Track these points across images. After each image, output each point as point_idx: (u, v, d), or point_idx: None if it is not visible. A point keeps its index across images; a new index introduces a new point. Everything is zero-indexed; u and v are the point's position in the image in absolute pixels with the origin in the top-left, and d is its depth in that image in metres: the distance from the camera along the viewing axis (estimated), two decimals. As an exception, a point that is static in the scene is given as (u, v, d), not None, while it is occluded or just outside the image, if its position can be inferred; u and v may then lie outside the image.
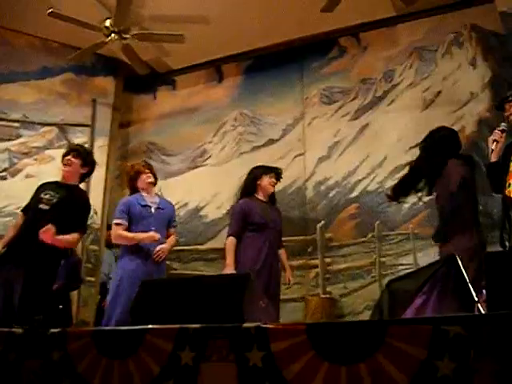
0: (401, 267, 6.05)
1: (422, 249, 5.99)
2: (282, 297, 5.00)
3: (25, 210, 4.58)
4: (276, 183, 5.19)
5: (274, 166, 5.35)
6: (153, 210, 4.83)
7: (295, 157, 7.16)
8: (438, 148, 4.15)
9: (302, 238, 6.74)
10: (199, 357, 1.96)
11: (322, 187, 6.90)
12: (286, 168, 6.49)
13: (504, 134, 3.89)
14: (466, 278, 2.17)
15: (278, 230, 5.05)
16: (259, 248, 4.80)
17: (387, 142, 6.62)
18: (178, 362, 1.99)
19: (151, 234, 4.66)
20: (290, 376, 1.79)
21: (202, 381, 1.93)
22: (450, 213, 3.89)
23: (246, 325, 1.92)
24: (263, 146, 7.47)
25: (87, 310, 6.94)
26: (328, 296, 6.34)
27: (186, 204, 7.63)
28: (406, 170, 4.50)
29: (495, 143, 3.89)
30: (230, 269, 4.66)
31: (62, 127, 7.58)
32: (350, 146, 6.93)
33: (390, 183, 6.43)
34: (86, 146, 7.32)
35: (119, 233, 4.74)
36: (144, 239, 4.67)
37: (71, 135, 7.58)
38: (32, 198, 4.57)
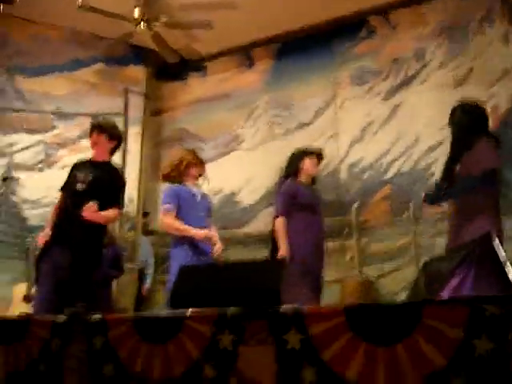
0: (437, 248, 6.01)
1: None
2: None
3: (63, 189, 4.60)
4: (318, 164, 5.15)
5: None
6: (199, 198, 4.75)
7: (328, 139, 7.14)
8: (465, 127, 4.06)
9: (337, 219, 6.72)
10: (238, 340, 1.98)
11: (356, 169, 6.88)
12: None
13: None
14: (502, 257, 2.16)
15: (320, 212, 5.04)
16: (310, 230, 4.75)
17: (420, 121, 6.56)
18: (218, 345, 2.02)
19: (206, 232, 4.52)
20: (328, 358, 1.81)
21: (242, 364, 1.96)
22: (462, 191, 3.86)
23: (283, 308, 1.94)
24: (295, 129, 7.45)
25: (126, 297, 7.03)
26: (364, 278, 6.34)
27: (220, 190, 7.67)
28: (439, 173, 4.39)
29: None
30: (284, 249, 4.48)
31: (96, 117, 7.66)
32: (382, 126, 6.89)
33: (424, 163, 6.41)
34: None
35: (171, 222, 4.54)
36: (199, 236, 4.48)
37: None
38: (68, 178, 4.59)
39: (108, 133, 4.61)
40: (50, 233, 4.33)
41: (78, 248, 4.23)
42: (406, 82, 6.85)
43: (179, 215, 4.56)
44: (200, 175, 4.92)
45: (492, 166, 3.80)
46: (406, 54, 6.94)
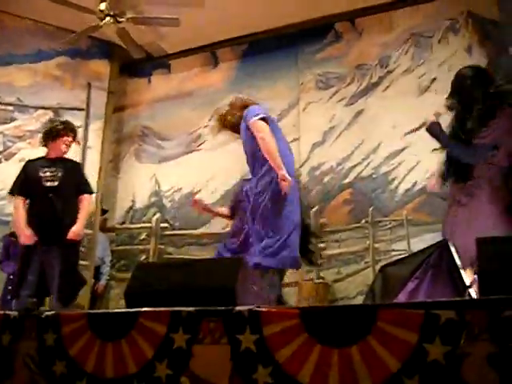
0: (394, 253, 6.06)
1: (415, 235, 6.02)
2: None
3: (22, 192, 4.69)
4: None
5: None
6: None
7: (290, 142, 7.13)
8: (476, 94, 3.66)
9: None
10: (192, 339, 1.97)
11: (317, 172, 6.90)
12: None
13: None
14: (458, 262, 2.18)
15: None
16: None
17: (382, 127, 6.61)
18: (172, 344, 2.00)
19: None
20: (282, 359, 1.80)
21: (196, 363, 1.94)
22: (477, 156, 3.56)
23: (238, 308, 1.93)
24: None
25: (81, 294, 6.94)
26: (321, 281, 6.36)
27: (180, 189, 7.64)
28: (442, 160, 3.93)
29: None
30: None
31: (57, 111, 7.55)
32: (344, 131, 6.92)
33: (385, 169, 6.46)
34: (81, 130, 7.36)
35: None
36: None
37: (66, 119, 7.55)
38: (25, 179, 4.71)
39: (75, 133, 5.01)
40: (35, 233, 4.62)
41: (65, 248, 4.66)
42: (370, 88, 6.91)
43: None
44: None
45: None
46: (371, 61, 7.00)
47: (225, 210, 4.98)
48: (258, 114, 4.01)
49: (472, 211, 3.46)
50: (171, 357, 1.99)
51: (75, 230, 4.69)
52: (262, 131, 3.92)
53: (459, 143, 3.63)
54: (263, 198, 3.88)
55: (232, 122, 4.36)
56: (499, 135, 3.51)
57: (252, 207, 3.94)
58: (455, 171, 3.68)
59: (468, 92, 3.71)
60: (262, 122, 3.97)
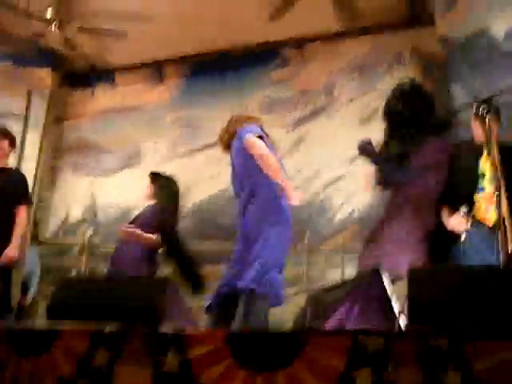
0: (328, 281, 6.07)
1: (350, 263, 6.04)
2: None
3: None
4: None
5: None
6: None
7: (228, 164, 7.11)
8: (408, 120, 3.80)
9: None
10: (114, 358, 1.90)
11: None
12: (220, 175, 6.47)
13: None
14: (390, 290, 2.19)
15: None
16: None
17: (323, 154, 6.67)
18: (92, 362, 1.93)
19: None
20: (207, 382, 1.75)
21: (117, 383, 1.87)
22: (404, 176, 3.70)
23: (163, 328, 1.87)
24: (199, 150, 7.39)
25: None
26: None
27: (116, 204, 7.51)
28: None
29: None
30: None
31: (-4, 118, 7.34)
32: (286, 156, 6.93)
33: (324, 195, 6.50)
34: (18, 138, 7.15)
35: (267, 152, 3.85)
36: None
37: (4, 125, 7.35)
38: None
39: (10, 138, 4.67)
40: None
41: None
42: (314, 115, 6.97)
43: None
44: None
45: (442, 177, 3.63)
46: (317, 87, 7.07)
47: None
48: (253, 132, 3.81)
49: (393, 223, 3.61)
50: (92, 376, 1.92)
51: (9, 254, 4.22)
52: (260, 148, 3.70)
53: (390, 163, 3.71)
54: None
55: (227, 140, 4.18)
56: (428, 162, 3.61)
57: None
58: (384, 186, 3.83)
59: (400, 114, 3.82)
60: (259, 140, 3.74)
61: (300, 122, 7.03)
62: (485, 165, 3.43)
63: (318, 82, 7.10)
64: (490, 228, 3.20)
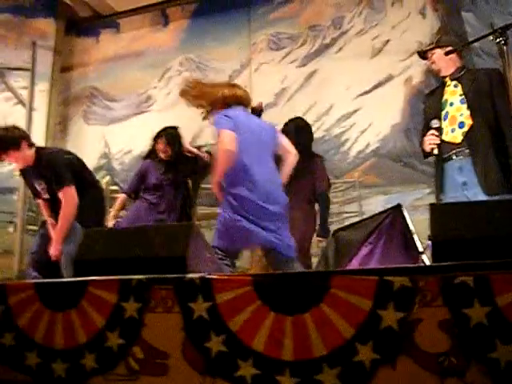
0: (346, 215, 6.10)
1: (367, 197, 6.06)
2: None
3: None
4: (167, 145, 5.07)
5: None
6: None
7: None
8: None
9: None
10: (144, 308, 1.93)
11: (269, 134, 6.86)
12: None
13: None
14: (412, 228, 2.19)
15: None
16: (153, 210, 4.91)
17: (334, 89, 6.60)
18: (123, 313, 1.96)
19: None
20: (235, 327, 1.78)
21: (148, 332, 1.91)
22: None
23: (190, 275, 1.89)
24: (209, 92, 7.33)
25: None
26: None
27: (130, 151, 7.51)
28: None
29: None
30: None
31: (1, 71, 7.30)
32: (296, 92, 6.88)
33: (337, 131, 6.46)
34: (27, 90, 7.12)
35: None
36: None
37: (10, 79, 7.31)
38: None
39: (25, 138, 4.27)
40: None
41: None
42: (323, 50, 6.87)
43: None
44: None
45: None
46: (324, 22, 6.95)
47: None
48: (222, 123, 3.61)
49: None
50: (123, 326, 1.96)
51: (52, 253, 4.15)
52: (222, 144, 3.52)
53: None
54: None
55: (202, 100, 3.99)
56: None
57: None
58: None
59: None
60: (228, 133, 3.52)
61: (310, 57, 6.92)
62: (448, 94, 3.55)
63: (325, 16, 6.96)
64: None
